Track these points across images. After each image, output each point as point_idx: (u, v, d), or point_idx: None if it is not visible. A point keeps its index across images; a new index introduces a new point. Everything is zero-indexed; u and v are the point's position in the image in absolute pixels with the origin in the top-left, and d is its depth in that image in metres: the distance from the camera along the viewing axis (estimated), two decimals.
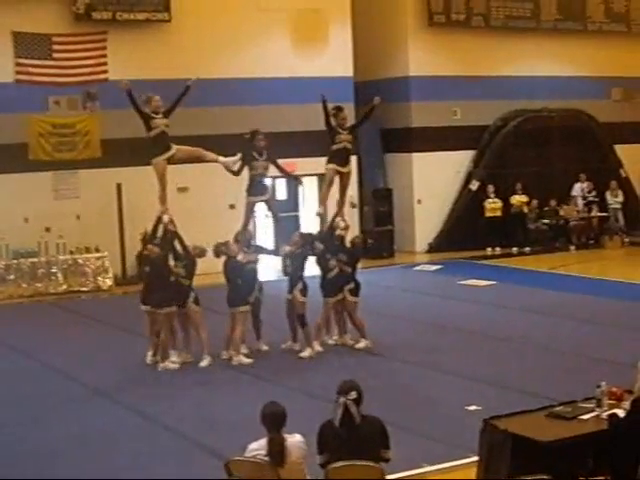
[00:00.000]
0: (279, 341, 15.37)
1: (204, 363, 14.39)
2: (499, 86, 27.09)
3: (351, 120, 17.11)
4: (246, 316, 14.70)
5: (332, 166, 15.63)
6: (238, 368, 14.17)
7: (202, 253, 14.72)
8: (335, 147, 15.54)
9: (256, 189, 15.35)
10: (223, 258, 14.64)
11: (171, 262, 14.63)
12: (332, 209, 16.06)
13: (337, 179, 15.79)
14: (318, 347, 14.96)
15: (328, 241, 15.31)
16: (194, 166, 22.99)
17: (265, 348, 15.23)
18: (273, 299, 15.72)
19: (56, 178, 22.49)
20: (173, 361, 14.33)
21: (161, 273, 14.32)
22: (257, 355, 14.75)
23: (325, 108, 15.39)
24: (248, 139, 15.26)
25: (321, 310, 15.23)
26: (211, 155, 15.59)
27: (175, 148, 15.03)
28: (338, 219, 15.57)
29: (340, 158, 15.60)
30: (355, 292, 15.21)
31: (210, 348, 14.50)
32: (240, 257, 14.59)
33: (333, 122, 15.45)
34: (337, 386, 7.22)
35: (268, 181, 16.55)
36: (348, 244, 15.58)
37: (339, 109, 15.69)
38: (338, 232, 15.40)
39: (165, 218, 14.69)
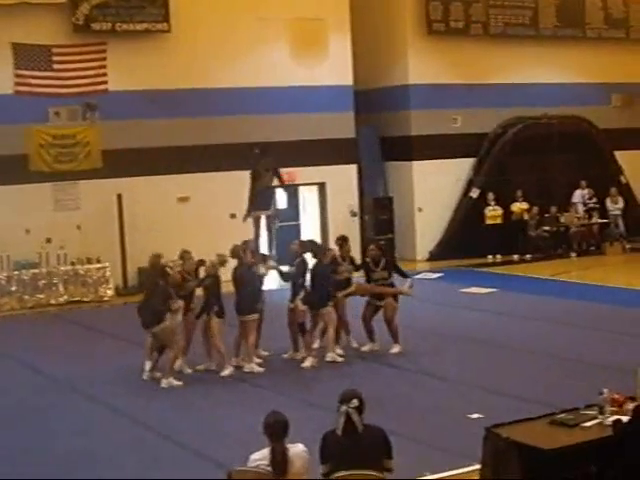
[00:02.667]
0: (280, 350, 15.37)
1: (201, 367, 14.60)
2: (499, 93, 27.08)
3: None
4: (256, 324, 14.72)
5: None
6: (240, 378, 14.15)
7: (223, 262, 14.65)
8: (337, 277, 15.25)
9: (260, 203, 15.30)
10: (232, 266, 14.71)
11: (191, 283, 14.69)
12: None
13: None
14: (338, 357, 14.98)
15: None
16: (194, 175, 23.06)
17: (265, 353, 15.23)
18: (272, 308, 15.67)
19: (56, 189, 22.46)
20: (177, 378, 14.17)
21: (155, 296, 14.16)
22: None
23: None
24: (258, 155, 15.17)
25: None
26: None
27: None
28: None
29: (339, 288, 15.35)
30: (396, 298, 15.57)
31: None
32: (260, 265, 14.72)
33: (337, 255, 15.36)
34: (339, 395, 7.21)
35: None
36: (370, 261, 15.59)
37: (344, 240, 15.63)
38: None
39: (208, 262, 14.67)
